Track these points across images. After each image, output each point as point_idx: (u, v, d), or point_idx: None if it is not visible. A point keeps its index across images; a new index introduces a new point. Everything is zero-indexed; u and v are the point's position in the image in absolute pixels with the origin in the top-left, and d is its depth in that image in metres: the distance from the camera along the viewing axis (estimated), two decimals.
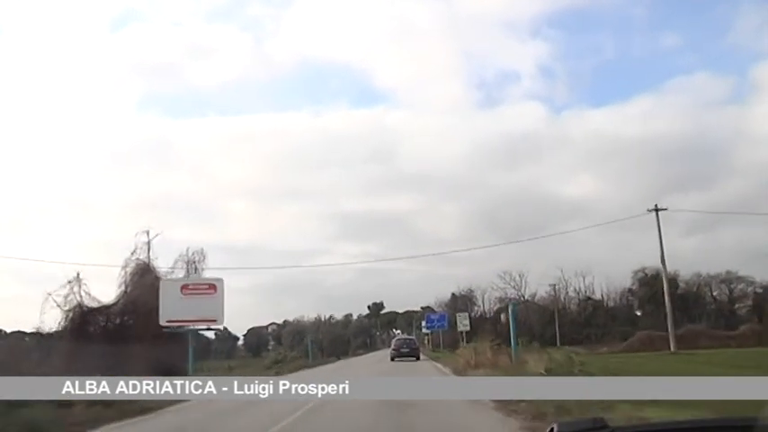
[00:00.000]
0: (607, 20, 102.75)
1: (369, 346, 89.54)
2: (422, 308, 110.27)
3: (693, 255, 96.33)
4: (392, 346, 46.76)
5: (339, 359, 49.97)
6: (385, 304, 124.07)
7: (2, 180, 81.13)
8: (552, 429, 2.60)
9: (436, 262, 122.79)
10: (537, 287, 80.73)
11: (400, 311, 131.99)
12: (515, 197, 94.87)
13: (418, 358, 43.62)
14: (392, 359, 42.61)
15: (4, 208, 75.40)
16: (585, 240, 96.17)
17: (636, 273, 77.03)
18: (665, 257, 49.98)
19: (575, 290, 78.07)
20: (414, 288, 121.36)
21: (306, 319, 60.64)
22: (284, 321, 68.73)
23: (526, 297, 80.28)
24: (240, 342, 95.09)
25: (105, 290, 39.00)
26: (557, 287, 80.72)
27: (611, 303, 79.68)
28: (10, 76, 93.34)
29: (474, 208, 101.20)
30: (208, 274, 31.60)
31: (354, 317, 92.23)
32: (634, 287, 77.62)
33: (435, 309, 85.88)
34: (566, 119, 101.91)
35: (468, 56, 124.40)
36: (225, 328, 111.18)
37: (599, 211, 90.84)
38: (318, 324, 58.98)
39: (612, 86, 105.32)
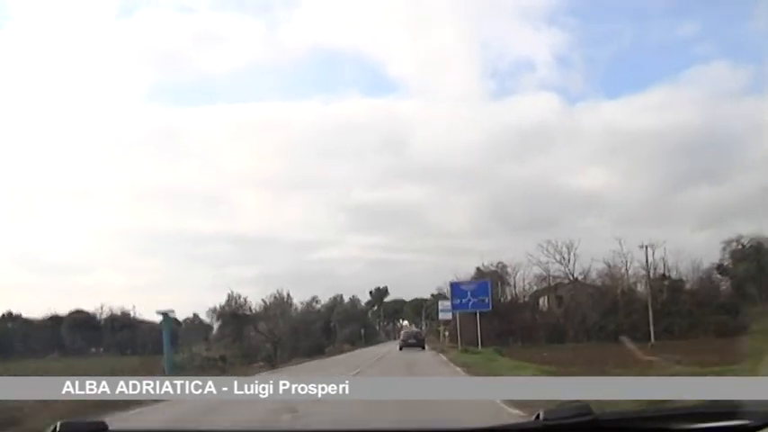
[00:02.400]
0: (624, 7, 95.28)
1: (364, 338, 68.83)
2: (432, 295, 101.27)
3: None
4: (401, 338, 52.27)
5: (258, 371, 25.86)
6: (390, 291, 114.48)
7: (10, 170, 79.09)
8: (538, 416, 2.55)
9: (447, 253, 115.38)
10: (591, 262, 60.12)
11: (407, 299, 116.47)
12: (527, 189, 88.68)
13: (424, 348, 46.93)
14: (401, 348, 46.49)
15: (13, 198, 75.15)
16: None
17: (727, 244, 56.52)
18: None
19: (641, 265, 57.00)
20: (424, 278, 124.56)
21: (265, 299, 40.42)
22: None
23: (575, 275, 59.74)
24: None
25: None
26: (613, 263, 59.73)
27: (689, 285, 58.85)
28: (18, 64, 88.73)
29: (485, 200, 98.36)
30: None
31: (346, 299, 71.95)
32: (725, 263, 57.02)
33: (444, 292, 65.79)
34: (580, 110, 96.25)
35: (482, 44, 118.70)
36: (195, 315, 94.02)
37: (612, 204, 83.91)
38: (281, 305, 38.82)
39: (628, 77, 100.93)
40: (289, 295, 39.06)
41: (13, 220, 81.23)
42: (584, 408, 2.59)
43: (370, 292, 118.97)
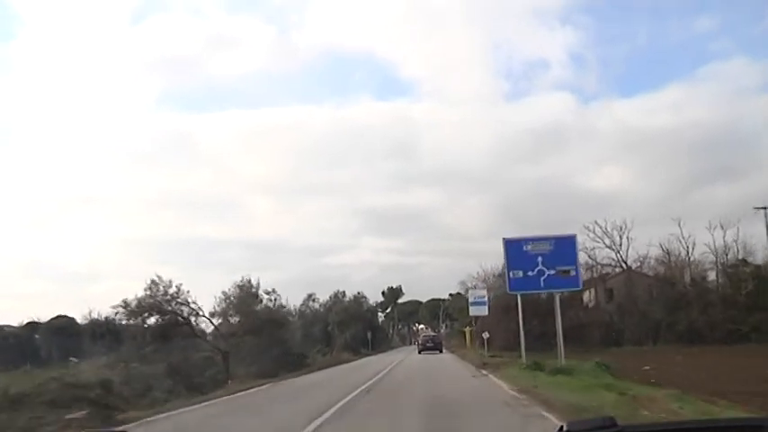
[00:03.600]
0: (639, 3, 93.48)
1: (371, 344, 57.02)
2: (450, 294, 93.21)
3: None
4: (419, 342, 55.45)
5: None
6: (405, 294, 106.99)
7: (23, 177, 76.09)
8: (562, 428, 2.41)
9: (463, 255, 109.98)
10: (648, 249, 48.90)
11: (423, 300, 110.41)
12: (542, 190, 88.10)
13: (441, 351, 49.71)
14: (420, 352, 49.28)
15: (26, 205, 72.40)
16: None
17: None
18: None
19: (711, 249, 45.56)
20: (439, 282, 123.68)
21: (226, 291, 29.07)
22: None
23: (628, 263, 48.56)
24: None
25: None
26: (669, 248, 48.29)
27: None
28: (30, 70, 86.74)
29: (499, 201, 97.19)
30: None
31: (349, 297, 60.33)
32: None
33: (469, 286, 55.08)
34: (594, 109, 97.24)
35: (494, 45, 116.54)
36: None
37: (627, 204, 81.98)
38: (245, 299, 26.45)
39: (644, 74, 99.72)
40: (255, 286, 27.80)
41: (24, 229, 79.64)
42: (608, 419, 2.36)
43: (383, 293, 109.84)
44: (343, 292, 60.31)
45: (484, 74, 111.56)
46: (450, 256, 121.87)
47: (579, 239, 47.26)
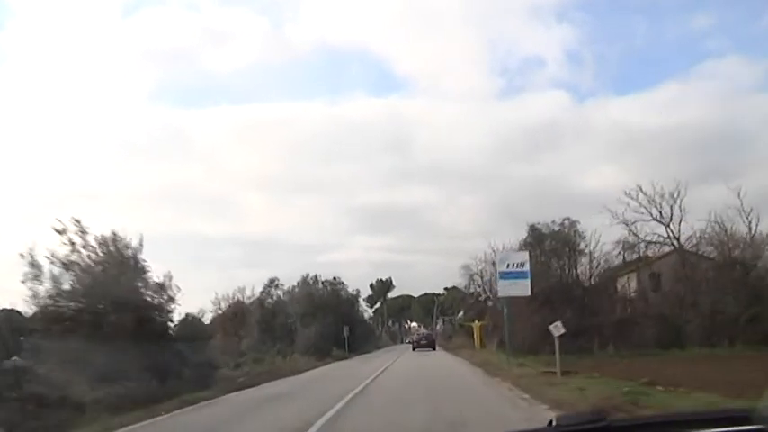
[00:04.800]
0: (637, 1, 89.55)
1: (347, 344, 42.90)
2: (446, 289, 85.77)
3: None
4: (414, 339, 59.57)
5: None
6: (395, 285, 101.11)
7: (13, 172, 70.42)
8: (551, 422, 2.39)
9: (456, 254, 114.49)
10: (703, 223, 37.84)
11: (415, 295, 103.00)
12: (536, 188, 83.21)
13: (434, 348, 51.31)
14: (414, 348, 52.81)
15: (17, 200, 70.25)
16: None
17: None
18: None
19: None
20: (432, 280, 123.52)
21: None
22: None
23: (681, 241, 37.49)
24: None
25: None
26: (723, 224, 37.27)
27: None
28: (20, 63, 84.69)
29: (494, 199, 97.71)
30: None
31: (322, 280, 48.76)
32: None
33: (474, 271, 44.72)
34: (589, 107, 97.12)
35: (490, 41, 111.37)
36: (193, 317, 76.53)
37: (623, 200, 66.00)
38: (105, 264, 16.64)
39: (639, 72, 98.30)
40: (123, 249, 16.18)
41: (14, 223, 71.17)
42: (597, 412, 2.36)
43: (371, 285, 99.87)
44: (315, 276, 48.98)
45: (479, 71, 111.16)
46: (443, 255, 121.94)
47: (617, 210, 36.89)
